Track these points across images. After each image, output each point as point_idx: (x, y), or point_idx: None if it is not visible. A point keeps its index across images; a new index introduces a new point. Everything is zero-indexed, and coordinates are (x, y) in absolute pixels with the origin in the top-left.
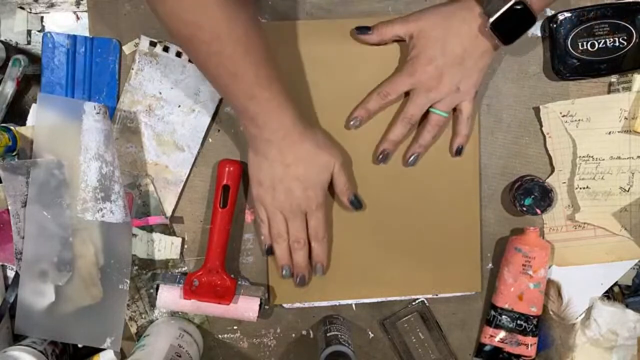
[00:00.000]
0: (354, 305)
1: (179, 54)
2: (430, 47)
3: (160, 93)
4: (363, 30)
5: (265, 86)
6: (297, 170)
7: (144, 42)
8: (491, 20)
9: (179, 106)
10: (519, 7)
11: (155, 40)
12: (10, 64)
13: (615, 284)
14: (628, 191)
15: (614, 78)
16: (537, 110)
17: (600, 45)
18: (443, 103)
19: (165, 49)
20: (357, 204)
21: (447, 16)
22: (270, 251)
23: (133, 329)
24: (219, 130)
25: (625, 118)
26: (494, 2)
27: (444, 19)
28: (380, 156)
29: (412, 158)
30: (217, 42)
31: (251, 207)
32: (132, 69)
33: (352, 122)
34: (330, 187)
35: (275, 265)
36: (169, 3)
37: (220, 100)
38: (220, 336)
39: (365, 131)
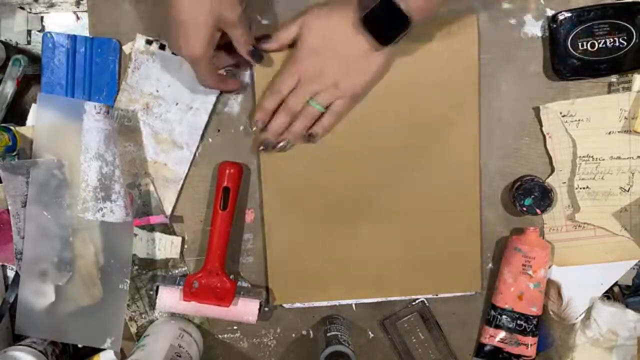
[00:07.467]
0: (354, 305)
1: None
2: (312, 37)
3: (158, 91)
4: (265, 38)
5: None
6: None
7: (140, 40)
8: (362, 15)
9: (177, 104)
10: (390, 5)
11: (151, 39)
12: (10, 64)
13: (615, 284)
14: (628, 191)
15: (614, 78)
16: (537, 110)
17: (600, 45)
18: (321, 96)
19: (162, 47)
20: (257, 56)
21: (330, 9)
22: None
23: (133, 329)
24: (219, 130)
25: (625, 118)
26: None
27: (326, 11)
28: (262, 147)
29: (281, 144)
30: None
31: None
32: (129, 67)
33: (254, 128)
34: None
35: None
36: None
37: (218, 98)
38: (220, 336)
39: (365, 131)
